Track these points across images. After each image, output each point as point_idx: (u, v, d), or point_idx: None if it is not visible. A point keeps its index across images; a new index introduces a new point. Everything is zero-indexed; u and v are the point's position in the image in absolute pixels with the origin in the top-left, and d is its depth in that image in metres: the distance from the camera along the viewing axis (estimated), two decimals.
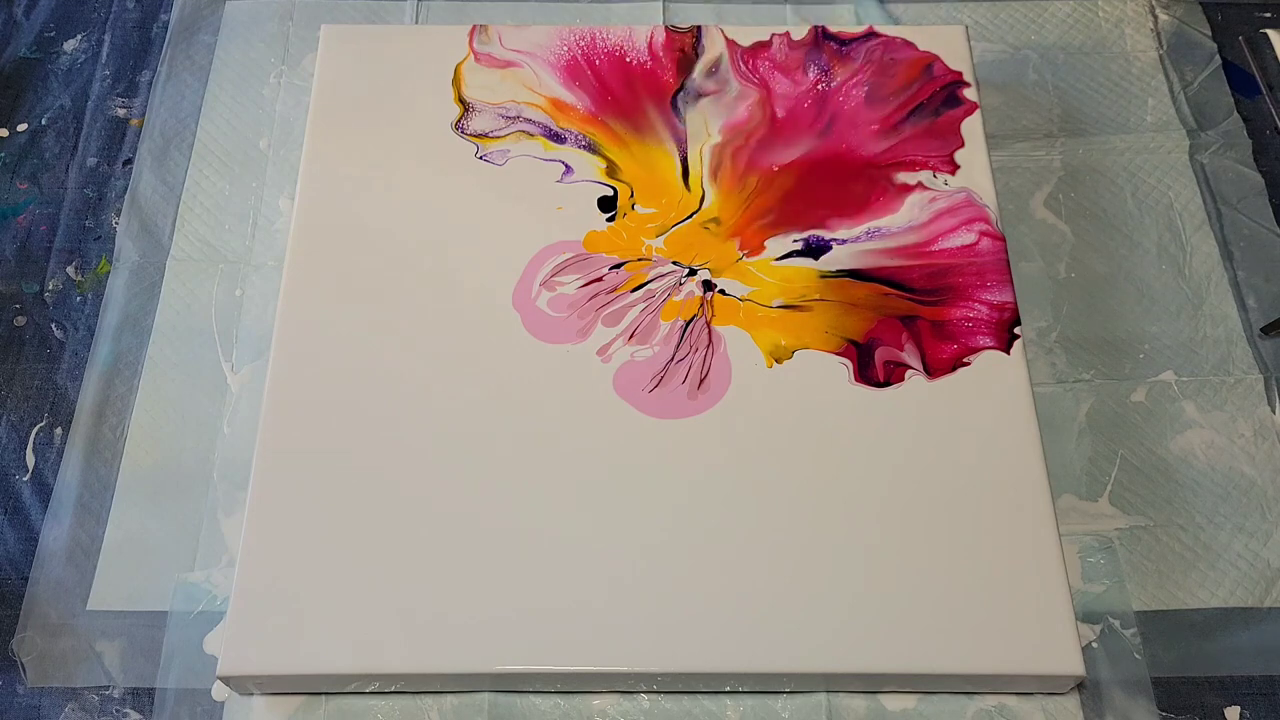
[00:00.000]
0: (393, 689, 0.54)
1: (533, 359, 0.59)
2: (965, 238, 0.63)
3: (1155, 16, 0.75)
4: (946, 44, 0.69)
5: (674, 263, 0.63)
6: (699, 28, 0.70)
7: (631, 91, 0.68)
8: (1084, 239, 0.67)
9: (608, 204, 0.65)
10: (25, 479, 0.61)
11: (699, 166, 0.66)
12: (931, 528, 0.55)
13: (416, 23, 0.76)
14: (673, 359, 0.60)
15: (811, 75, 0.69)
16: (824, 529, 0.55)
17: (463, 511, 0.55)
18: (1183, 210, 0.68)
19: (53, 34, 0.76)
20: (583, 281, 0.62)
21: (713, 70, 0.69)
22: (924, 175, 0.65)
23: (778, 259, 0.63)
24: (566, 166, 0.66)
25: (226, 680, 0.53)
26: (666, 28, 0.70)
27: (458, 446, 0.57)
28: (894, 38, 0.70)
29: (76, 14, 0.77)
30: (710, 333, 0.61)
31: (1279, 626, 0.56)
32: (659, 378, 0.59)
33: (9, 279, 0.67)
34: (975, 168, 0.65)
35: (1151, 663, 0.55)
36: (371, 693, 0.54)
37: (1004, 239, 0.63)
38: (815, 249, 0.63)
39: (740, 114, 0.67)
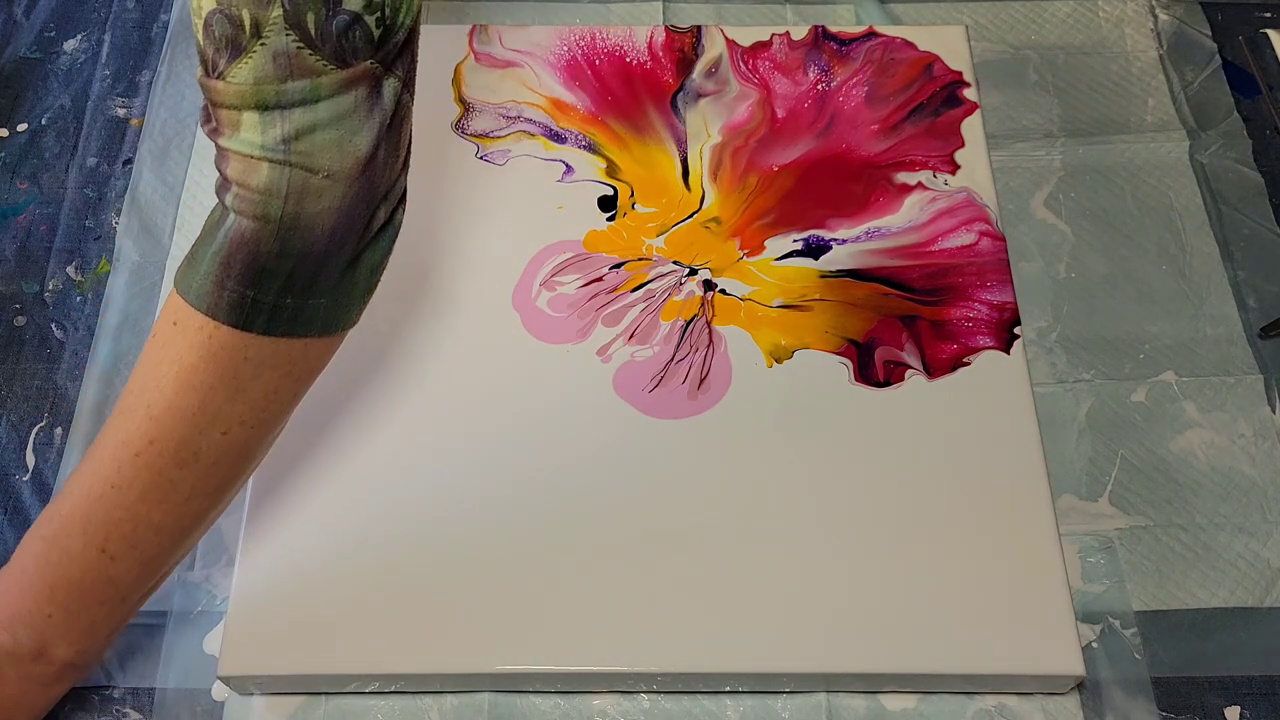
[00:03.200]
0: (393, 689, 0.54)
1: (533, 359, 0.59)
2: (965, 238, 0.63)
3: (1155, 16, 0.75)
4: (946, 44, 0.69)
5: (674, 262, 0.63)
6: (699, 28, 0.70)
7: (631, 91, 0.68)
8: (1084, 239, 0.67)
9: (608, 204, 0.65)
10: (25, 479, 0.61)
11: (699, 166, 0.66)
12: (931, 527, 0.55)
13: None
14: (673, 359, 0.60)
15: (811, 75, 0.69)
16: (824, 529, 0.55)
17: (462, 511, 0.55)
18: (1183, 210, 0.68)
19: (53, 34, 0.76)
20: (583, 281, 0.62)
21: (713, 70, 0.69)
22: (924, 175, 0.65)
23: (778, 259, 0.63)
24: (567, 166, 0.66)
25: (226, 680, 0.53)
26: (666, 28, 0.70)
27: (457, 446, 0.57)
28: (894, 38, 0.70)
29: (76, 14, 0.77)
30: (710, 332, 0.61)
31: (1279, 626, 0.56)
32: (659, 378, 0.59)
33: (9, 279, 0.67)
34: (975, 168, 0.65)
35: (1151, 663, 0.55)
36: (371, 693, 0.54)
37: (1004, 239, 0.63)
38: (815, 249, 0.63)
39: (740, 114, 0.67)
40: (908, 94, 0.68)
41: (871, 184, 0.65)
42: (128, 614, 0.50)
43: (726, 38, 0.70)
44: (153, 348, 0.46)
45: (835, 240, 0.63)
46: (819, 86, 0.68)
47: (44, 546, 0.47)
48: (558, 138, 0.67)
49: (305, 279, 0.45)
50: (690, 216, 0.64)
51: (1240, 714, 0.54)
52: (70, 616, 0.48)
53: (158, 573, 0.49)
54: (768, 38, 0.70)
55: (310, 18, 0.41)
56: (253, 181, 0.43)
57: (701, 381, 0.59)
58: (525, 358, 0.60)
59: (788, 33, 0.70)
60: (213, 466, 0.47)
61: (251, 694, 0.54)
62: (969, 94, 0.68)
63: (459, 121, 0.67)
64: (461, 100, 0.68)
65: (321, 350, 0.48)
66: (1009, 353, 0.60)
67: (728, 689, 0.54)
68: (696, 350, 0.60)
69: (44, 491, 0.60)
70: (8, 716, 0.50)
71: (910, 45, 0.69)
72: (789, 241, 0.63)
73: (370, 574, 0.54)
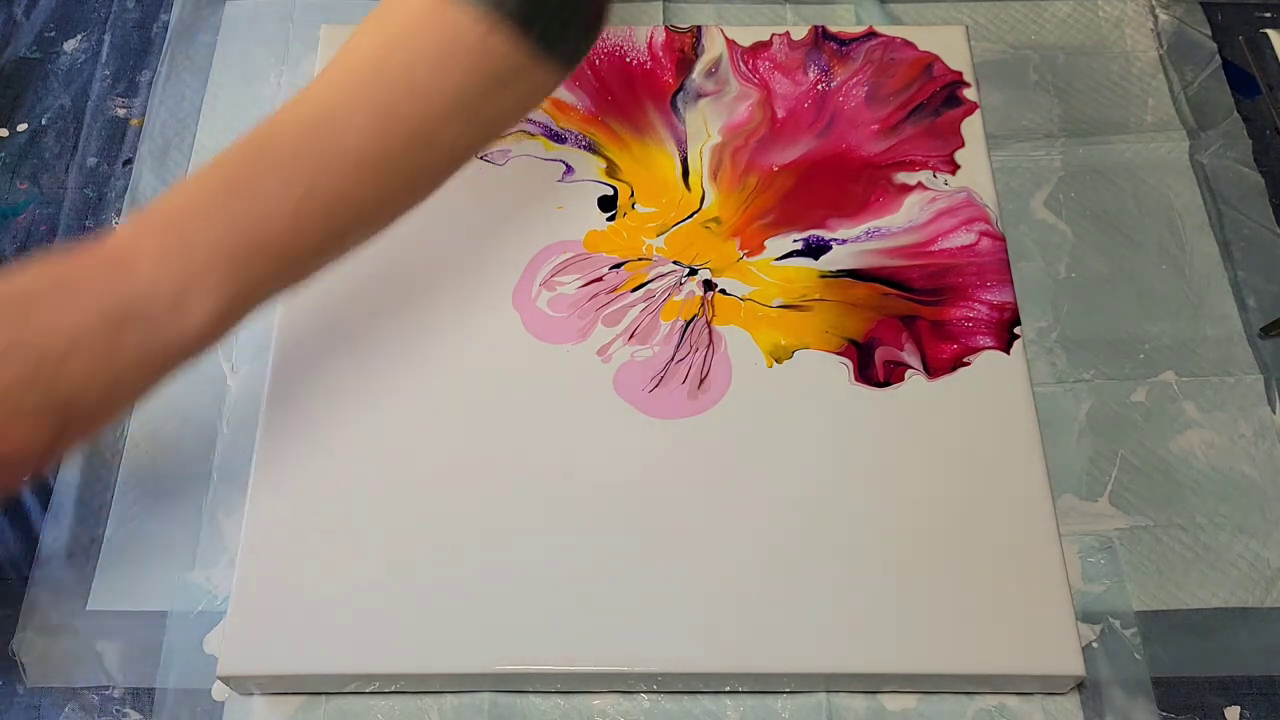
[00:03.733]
0: (393, 689, 0.54)
1: (533, 359, 0.59)
2: (965, 238, 0.63)
3: (1155, 16, 0.75)
4: (946, 44, 0.69)
5: (674, 262, 0.63)
6: (699, 28, 0.70)
7: (631, 91, 0.68)
8: (1084, 239, 0.67)
9: (608, 203, 0.65)
10: (24, 478, 0.61)
11: (699, 166, 0.66)
12: (931, 528, 0.55)
13: None
14: (673, 359, 0.60)
15: (811, 75, 0.69)
16: (824, 529, 0.55)
17: (462, 511, 0.55)
18: (1183, 210, 0.68)
19: (53, 34, 0.76)
20: (583, 281, 0.62)
21: (713, 70, 0.69)
22: (924, 175, 0.65)
23: (778, 259, 0.63)
24: (567, 166, 0.66)
25: (226, 680, 0.53)
26: (666, 28, 0.70)
27: (457, 446, 0.57)
28: (894, 38, 0.70)
29: (76, 14, 0.77)
30: (710, 332, 0.61)
31: (1279, 626, 0.56)
32: (659, 378, 0.59)
33: None
34: (975, 168, 0.65)
35: (1151, 663, 0.55)
36: (371, 693, 0.54)
37: (1004, 239, 0.63)
38: (815, 249, 0.63)
39: (740, 114, 0.67)
40: (908, 94, 0.68)
41: (871, 184, 0.65)
42: (267, 296, 0.47)
43: (726, 38, 0.70)
44: (405, 35, 0.47)
45: (835, 240, 0.63)
46: (819, 86, 0.68)
47: (237, 177, 0.46)
48: (557, 137, 0.67)
49: None
50: (690, 216, 0.64)
51: (1240, 714, 0.55)
52: (234, 262, 0.44)
53: (316, 264, 0.48)
54: (768, 38, 0.70)
55: None
56: None
57: (701, 381, 0.59)
58: (525, 358, 0.60)
59: (788, 33, 0.70)
60: (430, 166, 0.49)
61: (251, 694, 0.54)
62: (969, 94, 0.68)
63: None
64: None
65: (553, 84, 0.50)
66: (1009, 353, 0.60)
67: (728, 689, 0.54)
68: (696, 350, 0.60)
69: (44, 491, 0.60)
70: (111, 396, 0.44)
71: (910, 45, 0.69)
72: (789, 241, 0.63)
73: (370, 574, 0.54)
